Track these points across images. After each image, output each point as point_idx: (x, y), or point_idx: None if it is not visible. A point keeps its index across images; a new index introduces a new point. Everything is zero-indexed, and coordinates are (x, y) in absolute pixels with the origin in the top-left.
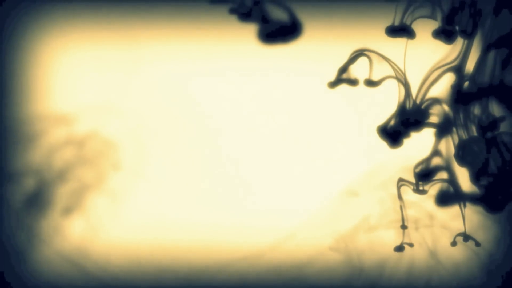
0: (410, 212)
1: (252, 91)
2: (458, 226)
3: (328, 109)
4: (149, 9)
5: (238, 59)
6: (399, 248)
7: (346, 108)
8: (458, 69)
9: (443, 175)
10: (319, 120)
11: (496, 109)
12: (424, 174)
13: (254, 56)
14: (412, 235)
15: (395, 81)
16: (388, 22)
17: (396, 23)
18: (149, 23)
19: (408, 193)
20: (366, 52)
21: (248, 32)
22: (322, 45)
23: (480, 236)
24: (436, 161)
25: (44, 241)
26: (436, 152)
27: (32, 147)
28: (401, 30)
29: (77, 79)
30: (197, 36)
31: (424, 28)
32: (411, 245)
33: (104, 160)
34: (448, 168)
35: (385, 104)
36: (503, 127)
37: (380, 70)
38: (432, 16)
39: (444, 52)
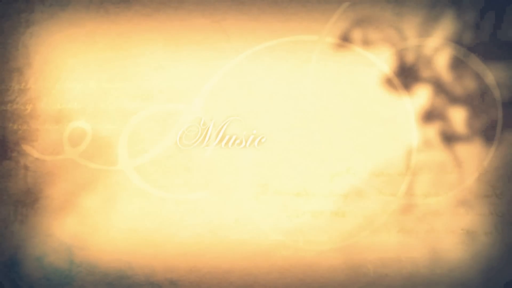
0: (412, 212)
1: (256, 92)
2: (460, 225)
3: (337, 112)
4: (149, 12)
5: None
6: None
7: (355, 110)
8: None
9: None
10: (329, 121)
11: None
12: None
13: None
14: (414, 236)
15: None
16: None
17: None
18: (147, 25)
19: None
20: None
21: (255, 36)
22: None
23: (482, 237)
24: None
25: (38, 240)
26: None
27: (28, 146)
28: None
29: (75, 79)
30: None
31: None
32: None
33: (100, 159)
34: None
35: (393, 106)
36: None
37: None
38: None
39: None
